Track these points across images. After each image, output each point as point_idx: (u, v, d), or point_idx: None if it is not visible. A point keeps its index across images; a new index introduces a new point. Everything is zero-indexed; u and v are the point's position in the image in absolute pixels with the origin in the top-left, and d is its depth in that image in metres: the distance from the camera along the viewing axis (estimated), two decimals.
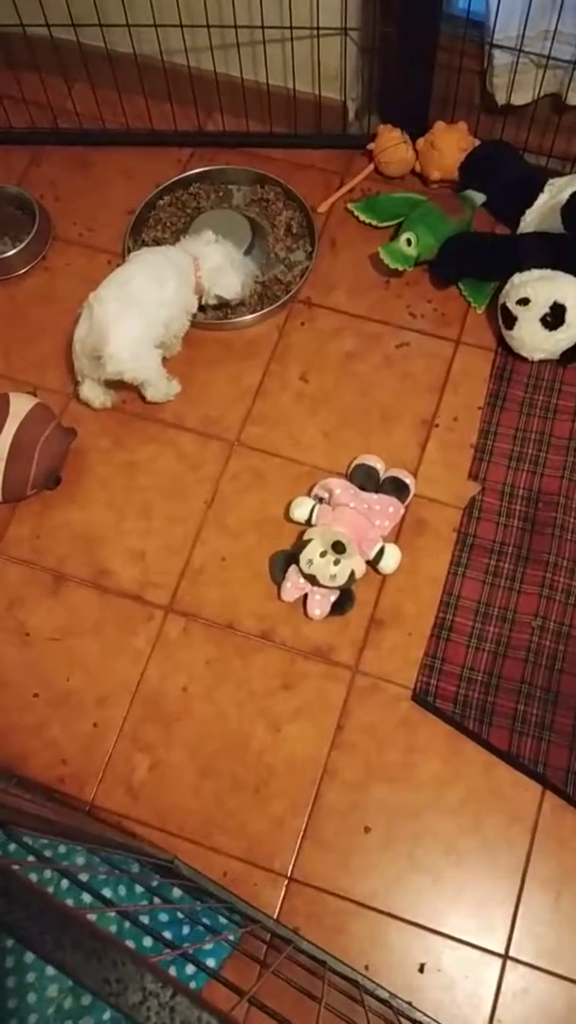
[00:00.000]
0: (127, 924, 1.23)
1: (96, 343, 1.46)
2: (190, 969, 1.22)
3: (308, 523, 1.47)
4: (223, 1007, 0.89)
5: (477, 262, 1.68)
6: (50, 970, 1.21)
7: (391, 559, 1.44)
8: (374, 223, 1.76)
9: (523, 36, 1.58)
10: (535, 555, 1.47)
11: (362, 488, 1.48)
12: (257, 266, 1.72)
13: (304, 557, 1.41)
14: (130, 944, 1.23)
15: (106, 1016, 1.21)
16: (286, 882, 1.28)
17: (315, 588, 1.43)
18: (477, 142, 1.77)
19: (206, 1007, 0.54)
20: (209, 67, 1.79)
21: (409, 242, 1.65)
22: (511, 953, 1.25)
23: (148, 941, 1.23)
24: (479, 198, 1.74)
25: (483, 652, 1.41)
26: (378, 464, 1.52)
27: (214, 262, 1.57)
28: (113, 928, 1.23)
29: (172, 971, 1.21)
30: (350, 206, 1.79)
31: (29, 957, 1.22)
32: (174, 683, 1.41)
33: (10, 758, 1.36)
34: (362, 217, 1.77)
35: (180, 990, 0.55)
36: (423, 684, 1.39)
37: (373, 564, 1.45)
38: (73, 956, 0.57)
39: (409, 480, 1.50)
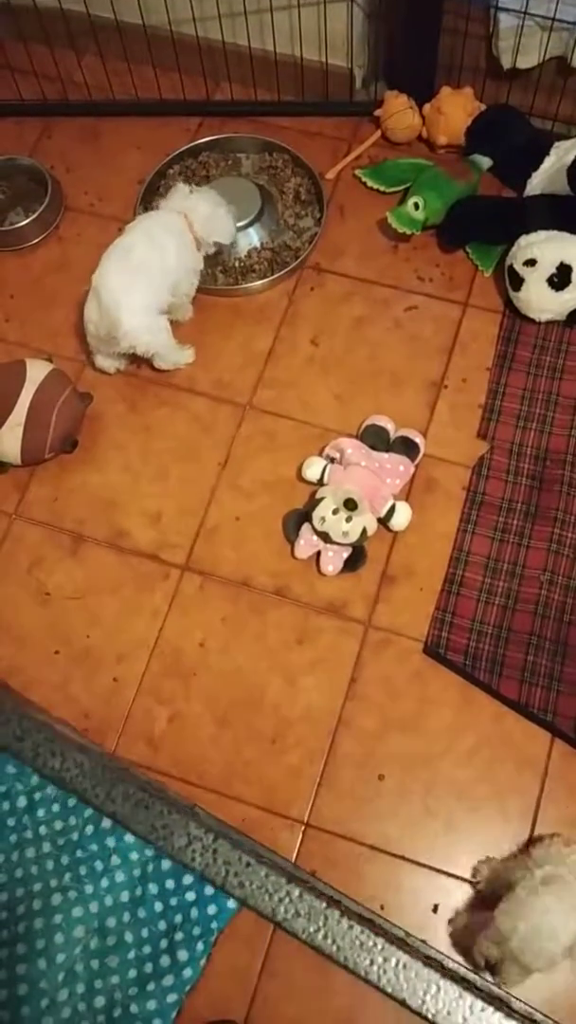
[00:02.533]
0: (149, 867, 1.27)
1: (109, 324, 1.49)
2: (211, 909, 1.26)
3: (320, 482, 1.50)
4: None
5: (484, 225, 1.70)
6: (76, 911, 1.26)
7: (402, 516, 1.47)
8: (382, 189, 1.78)
9: None
10: (543, 512, 1.49)
11: (373, 448, 1.51)
12: (267, 232, 1.75)
13: (317, 515, 1.44)
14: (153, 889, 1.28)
15: (130, 955, 1.25)
16: (303, 828, 1.32)
17: (328, 545, 1.46)
18: (483, 107, 1.78)
19: (246, 849, 0.59)
20: (217, 36, 1.80)
21: (417, 206, 1.67)
22: None
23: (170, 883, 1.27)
24: (485, 162, 1.76)
25: (493, 606, 1.44)
26: (388, 424, 1.54)
27: (203, 212, 1.58)
28: (137, 872, 1.28)
29: (194, 912, 1.25)
30: (358, 172, 1.81)
31: (56, 899, 1.27)
32: (191, 639, 1.45)
33: (34, 703, 1.40)
34: (370, 183, 1.79)
35: (221, 835, 0.60)
36: (435, 637, 1.42)
37: (384, 522, 1.48)
38: (124, 807, 0.62)
39: (419, 439, 1.53)
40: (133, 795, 0.55)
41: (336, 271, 1.73)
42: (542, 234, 1.60)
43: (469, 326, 1.66)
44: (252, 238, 1.75)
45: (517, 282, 1.60)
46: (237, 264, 1.73)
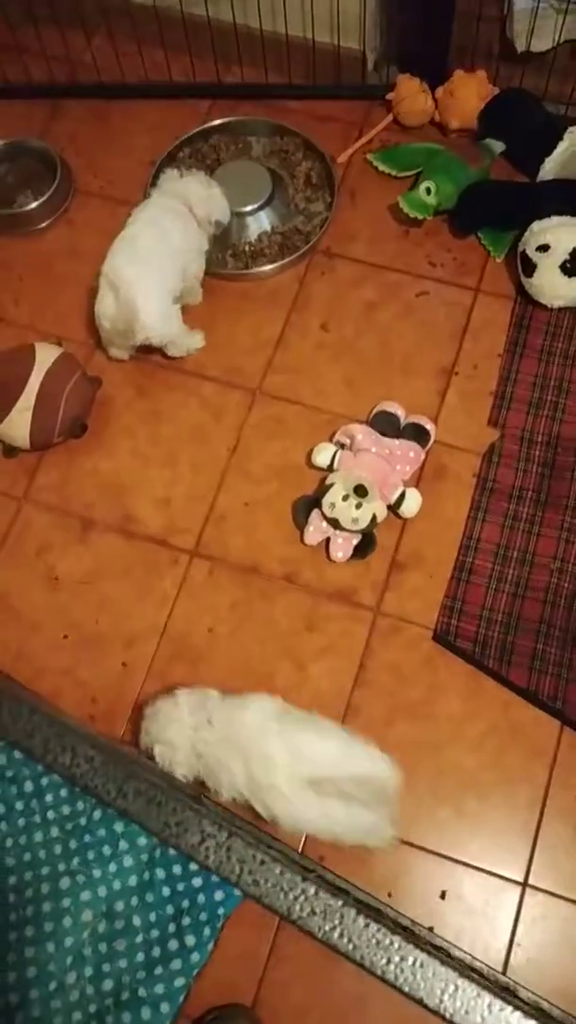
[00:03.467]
0: (157, 852, 1.27)
1: (128, 320, 1.48)
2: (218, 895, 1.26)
3: (330, 468, 1.49)
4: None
5: (496, 210, 1.69)
6: (84, 895, 1.26)
7: (412, 503, 1.47)
8: (393, 173, 1.77)
9: None
10: (554, 499, 1.49)
11: (383, 434, 1.50)
12: (277, 216, 1.73)
13: (327, 501, 1.43)
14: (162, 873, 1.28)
15: (138, 939, 1.25)
16: None
17: (337, 532, 1.45)
18: (496, 90, 1.77)
19: (260, 847, 0.59)
20: (228, 18, 1.79)
21: (428, 191, 1.66)
22: (530, 881, 1.29)
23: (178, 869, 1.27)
24: (498, 147, 1.74)
25: (503, 593, 1.43)
26: (399, 411, 1.54)
27: (198, 193, 1.58)
28: (145, 857, 1.28)
29: (201, 897, 1.25)
30: (369, 156, 1.79)
31: (64, 883, 1.27)
32: (200, 624, 1.44)
33: (43, 697, 1.40)
34: (381, 167, 1.78)
35: (235, 832, 0.59)
36: (444, 625, 1.42)
37: (394, 509, 1.47)
38: (135, 803, 0.62)
39: (429, 426, 1.52)
40: (145, 792, 0.55)
41: (347, 256, 1.72)
42: (555, 219, 1.58)
43: (481, 312, 1.65)
44: (262, 222, 1.73)
45: (530, 268, 1.59)
46: (247, 248, 1.72)
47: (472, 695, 1.39)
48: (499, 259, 1.69)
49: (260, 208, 1.73)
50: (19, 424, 1.50)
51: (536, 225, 1.59)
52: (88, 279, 1.64)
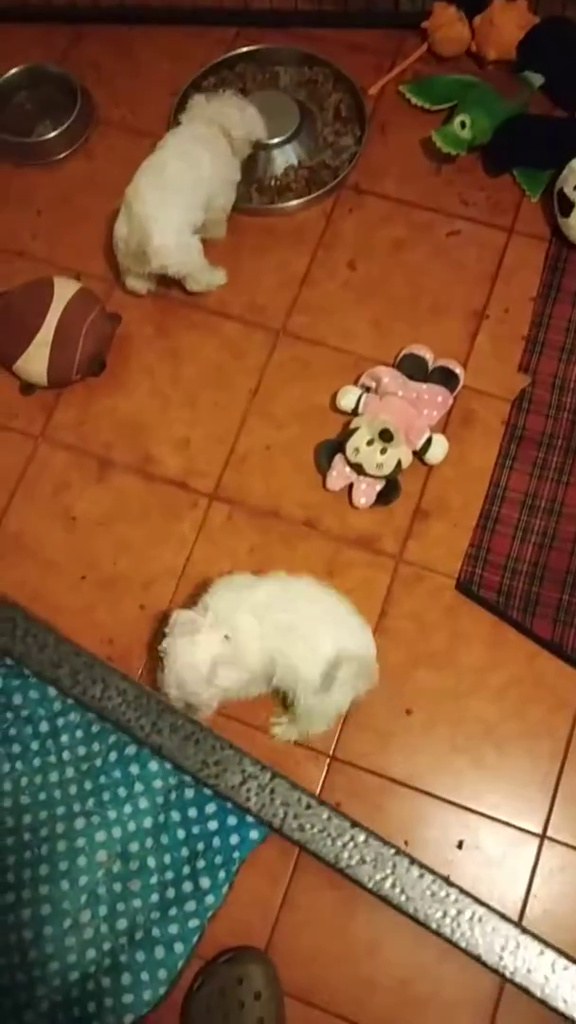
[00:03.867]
0: (172, 795, 1.26)
1: (140, 241, 1.43)
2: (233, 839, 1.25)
3: (355, 412, 1.46)
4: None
5: (533, 146, 1.62)
6: (99, 835, 1.26)
7: (438, 449, 1.43)
8: (427, 106, 1.70)
9: None
10: None
11: (410, 378, 1.46)
12: (304, 150, 1.67)
13: (351, 445, 1.39)
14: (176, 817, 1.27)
15: (153, 880, 1.25)
16: (328, 760, 1.30)
17: (361, 477, 1.42)
18: (537, 20, 1.68)
19: (305, 790, 0.56)
20: None
21: (463, 125, 1.59)
22: (549, 833, 1.27)
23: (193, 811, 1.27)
24: (537, 80, 1.67)
25: (529, 544, 1.40)
26: (427, 354, 1.49)
27: (233, 114, 1.52)
28: (160, 800, 1.27)
29: (217, 841, 1.25)
30: (402, 88, 1.72)
31: (79, 823, 1.26)
32: (219, 568, 1.42)
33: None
34: (414, 100, 1.70)
35: (278, 773, 0.56)
36: (468, 574, 1.39)
37: (420, 455, 1.43)
38: (171, 739, 0.59)
39: (459, 370, 1.47)
40: (181, 727, 0.51)
41: (376, 192, 1.66)
42: None
43: (514, 253, 1.59)
44: (290, 155, 1.67)
45: (567, 207, 1.52)
46: (273, 183, 1.66)
47: (494, 646, 1.36)
48: (534, 198, 1.63)
49: (287, 141, 1.67)
50: (37, 360, 1.46)
51: (575, 162, 1.53)
52: (108, 212, 1.59)
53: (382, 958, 1.22)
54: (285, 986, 1.21)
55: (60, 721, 1.32)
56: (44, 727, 1.32)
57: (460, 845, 1.27)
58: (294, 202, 1.63)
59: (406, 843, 1.26)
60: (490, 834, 1.28)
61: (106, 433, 1.51)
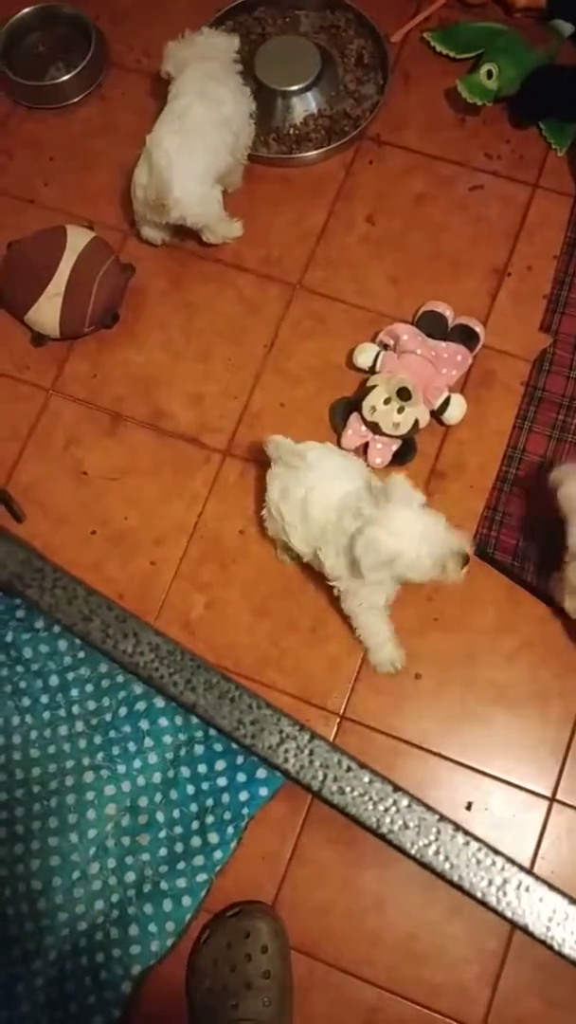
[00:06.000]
0: (182, 751, 1.26)
1: (160, 191, 1.39)
2: (243, 796, 1.25)
3: (372, 370, 1.43)
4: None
5: (562, 97, 1.57)
6: (109, 789, 1.26)
7: (456, 409, 1.40)
8: (452, 54, 1.64)
9: None
10: None
11: (429, 335, 1.43)
12: (324, 98, 1.62)
13: (367, 404, 1.37)
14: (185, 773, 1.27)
15: (161, 835, 1.25)
16: (338, 720, 1.30)
17: (377, 437, 1.40)
18: None
19: (345, 752, 0.54)
20: None
21: (490, 74, 1.54)
22: (558, 796, 1.27)
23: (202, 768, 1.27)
24: (567, 28, 1.61)
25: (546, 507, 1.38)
26: (447, 311, 1.46)
27: (222, 45, 1.48)
28: (170, 755, 1.27)
29: (226, 797, 1.25)
30: (427, 35, 1.66)
31: (89, 776, 1.26)
32: (231, 526, 1.41)
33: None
34: (439, 47, 1.65)
35: (317, 735, 0.54)
36: (483, 536, 1.37)
37: (437, 415, 1.41)
38: (205, 698, 0.57)
39: (479, 328, 1.44)
40: (217, 685, 0.49)
41: (398, 144, 1.61)
42: None
43: (538, 210, 1.55)
44: (309, 103, 1.62)
45: None
46: (292, 132, 1.62)
47: (508, 609, 1.35)
48: (561, 152, 1.58)
49: (307, 88, 1.62)
50: (48, 311, 1.44)
51: None
52: (122, 159, 1.55)
53: (389, 913, 1.23)
54: (292, 940, 1.22)
55: (70, 675, 1.32)
56: (54, 681, 1.31)
57: (469, 807, 1.27)
58: (313, 152, 1.59)
59: None
60: (499, 796, 1.28)
61: (118, 387, 1.49)
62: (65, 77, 1.65)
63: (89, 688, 1.31)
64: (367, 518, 1.13)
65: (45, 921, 1.21)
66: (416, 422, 1.37)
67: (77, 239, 1.46)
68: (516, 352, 1.46)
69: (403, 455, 1.40)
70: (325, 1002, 1.21)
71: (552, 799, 1.27)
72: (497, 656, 1.33)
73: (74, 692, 1.31)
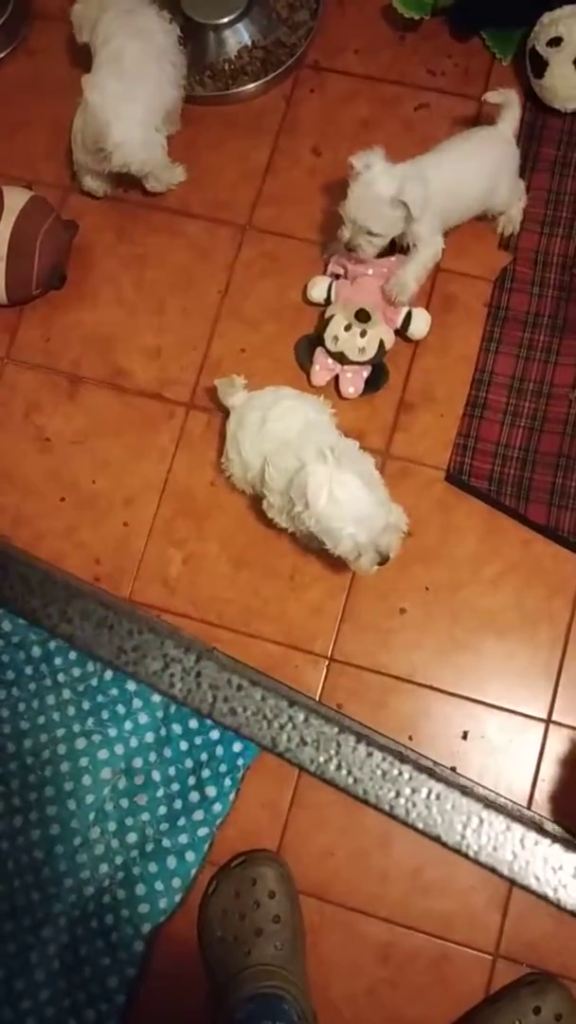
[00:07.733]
0: (172, 708, 1.25)
1: (97, 135, 1.34)
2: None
3: (327, 302, 1.39)
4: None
5: (502, 4, 1.50)
6: (102, 754, 1.25)
7: (420, 323, 1.37)
8: None
9: None
10: (571, 324, 1.38)
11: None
12: (257, 28, 1.56)
13: (329, 334, 1.34)
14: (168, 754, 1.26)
15: (159, 793, 1.25)
16: (327, 663, 1.29)
17: (345, 367, 1.37)
18: None
19: (236, 670, 0.52)
20: None
21: None
22: (554, 718, 1.26)
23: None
24: None
25: (518, 428, 1.36)
26: None
27: None
28: (160, 713, 1.26)
29: (219, 750, 1.24)
30: None
31: (81, 743, 1.25)
32: (201, 478, 1.38)
33: (46, 562, 1.35)
34: None
35: (205, 655, 0.52)
36: (457, 464, 1.35)
37: (402, 333, 1.37)
38: (83, 628, 0.55)
39: None
40: (94, 612, 0.47)
41: (337, 69, 1.56)
42: (568, 8, 1.42)
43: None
44: (242, 35, 1.56)
45: (540, 67, 1.43)
46: (226, 67, 1.56)
47: (488, 535, 1.33)
48: (506, 62, 1.53)
49: (238, 19, 1.55)
50: None
51: (546, 16, 1.43)
52: (55, 114, 1.50)
53: (394, 850, 1.22)
54: (300, 885, 1.21)
55: (52, 644, 1.30)
56: (36, 651, 1.30)
57: (465, 736, 1.26)
58: (250, 86, 1.53)
59: (410, 738, 1.25)
60: (495, 723, 1.27)
61: (73, 348, 1.46)
62: None
63: (72, 655, 1.29)
64: (317, 473, 1.11)
65: (51, 889, 1.21)
66: (382, 343, 1.34)
67: (14, 200, 1.41)
68: (475, 272, 1.42)
69: (375, 381, 1.37)
70: (338, 941, 1.21)
71: (548, 720, 1.26)
72: (481, 583, 1.31)
73: (58, 660, 1.29)
